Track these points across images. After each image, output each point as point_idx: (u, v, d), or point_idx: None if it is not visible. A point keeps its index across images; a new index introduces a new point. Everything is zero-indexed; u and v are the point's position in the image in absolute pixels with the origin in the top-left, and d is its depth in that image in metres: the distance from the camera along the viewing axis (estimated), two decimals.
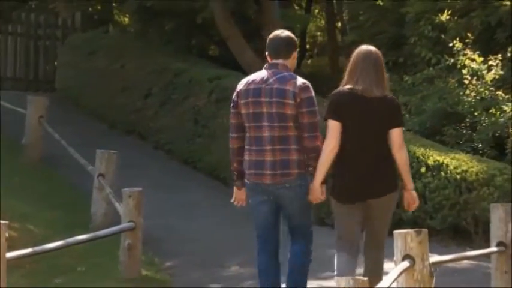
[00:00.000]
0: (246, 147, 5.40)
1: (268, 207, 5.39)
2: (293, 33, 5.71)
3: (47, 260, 6.24)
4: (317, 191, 5.34)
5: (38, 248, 4.94)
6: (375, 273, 5.31)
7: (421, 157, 8.22)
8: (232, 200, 5.58)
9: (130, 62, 13.80)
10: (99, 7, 17.72)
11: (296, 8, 18.56)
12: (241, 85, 5.45)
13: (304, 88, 5.35)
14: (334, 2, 16.89)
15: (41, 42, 18.09)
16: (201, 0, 13.34)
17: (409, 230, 4.62)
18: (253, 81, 5.42)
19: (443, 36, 10.99)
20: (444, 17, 11.06)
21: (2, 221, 4.26)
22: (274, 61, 5.45)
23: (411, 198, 5.47)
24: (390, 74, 11.27)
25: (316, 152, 5.33)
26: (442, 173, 8.06)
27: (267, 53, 5.55)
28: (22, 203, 7.99)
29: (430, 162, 8.16)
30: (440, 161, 8.13)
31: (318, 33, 20.92)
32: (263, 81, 5.39)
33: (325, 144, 5.33)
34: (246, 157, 5.40)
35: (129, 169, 9.34)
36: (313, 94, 5.40)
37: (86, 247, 6.60)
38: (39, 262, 6.24)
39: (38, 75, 18.07)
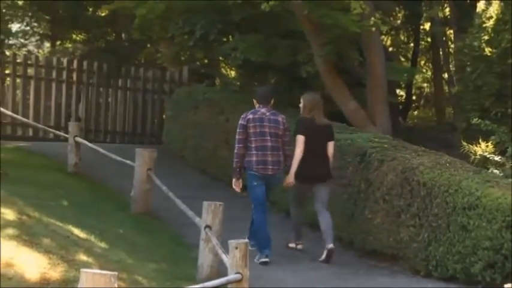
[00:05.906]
0: (253, 152, 9.10)
1: (264, 188, 9.16)
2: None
3: None
4: (292, 178, 9.29)
5: None
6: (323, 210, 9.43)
7: None
8: (234, 187, 9.27)
9: (233, 115, 13.95)
10: (206, 61, 18.07)
11: (402, 59, 18.48)
12: (248, 116, 9.17)
13: (285, 120, 9.35)
14: (441, 53, 16.74)
15: (149, 96, 18.56)
16: (304, 54, 13.45)
17: None
18: (256, 113, 9.22)
19: None
20: None
21: (111, 272, 4.33)
22: (263, 105, 9.29)
23: None
24: (498, 125, 11.05)
25: (291, 156, 9.26)
26: None
27: (255, 100, 9.34)
28: (129, 254, 8.13)
29: None
30: None
31: (425, 85, 20.74)
32: (263, 114, 9.24)
33: (296, 150, 9.29)
34: (254, 158, 9.09)
35: (232, 221, 9.40)
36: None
37: None
38: None
39: (146, 128, 18.51)
